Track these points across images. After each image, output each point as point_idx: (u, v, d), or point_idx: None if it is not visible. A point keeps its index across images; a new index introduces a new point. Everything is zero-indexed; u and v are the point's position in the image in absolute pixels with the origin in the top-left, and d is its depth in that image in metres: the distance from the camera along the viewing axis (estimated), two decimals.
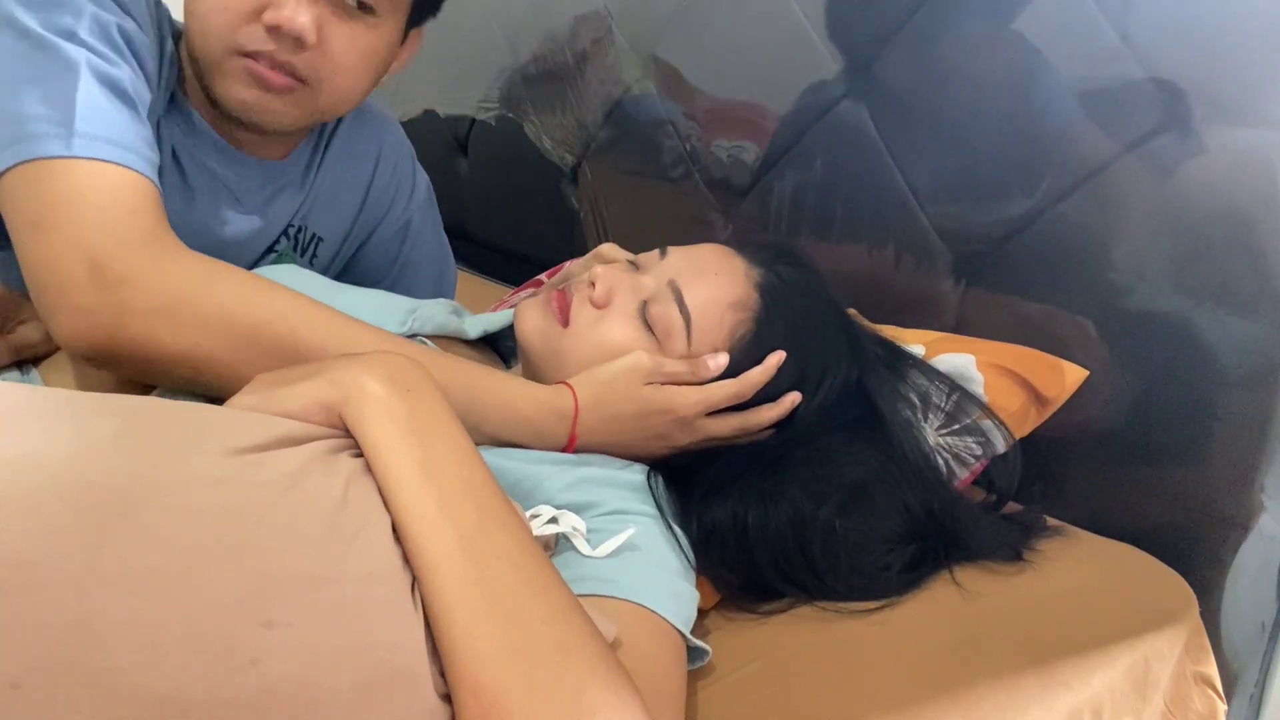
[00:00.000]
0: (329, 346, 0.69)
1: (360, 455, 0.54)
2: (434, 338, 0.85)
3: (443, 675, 0.49)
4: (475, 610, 0.49)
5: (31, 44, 0.73)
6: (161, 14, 0.88)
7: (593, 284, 0.81)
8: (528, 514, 0.61)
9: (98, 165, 0.71)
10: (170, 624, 0.43)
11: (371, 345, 0.71)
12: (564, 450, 0.77)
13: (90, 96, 0.73)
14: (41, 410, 0.49)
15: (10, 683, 0.40)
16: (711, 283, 0.80)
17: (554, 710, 0.48)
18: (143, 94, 0.80)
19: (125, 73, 0.78)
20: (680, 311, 0.79)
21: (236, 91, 0.85)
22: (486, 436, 0.75)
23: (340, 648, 0.46)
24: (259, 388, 0.59)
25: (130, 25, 0.80)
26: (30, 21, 0.74)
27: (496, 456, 0.72)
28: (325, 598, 0.46)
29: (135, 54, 0.80)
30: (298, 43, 0.83)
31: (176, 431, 0.50)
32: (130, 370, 0.70)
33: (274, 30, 0.82)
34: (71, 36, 0.75)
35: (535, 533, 0.60)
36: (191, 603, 0.43)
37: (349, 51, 0.87)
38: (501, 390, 0.76)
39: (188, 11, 0.85)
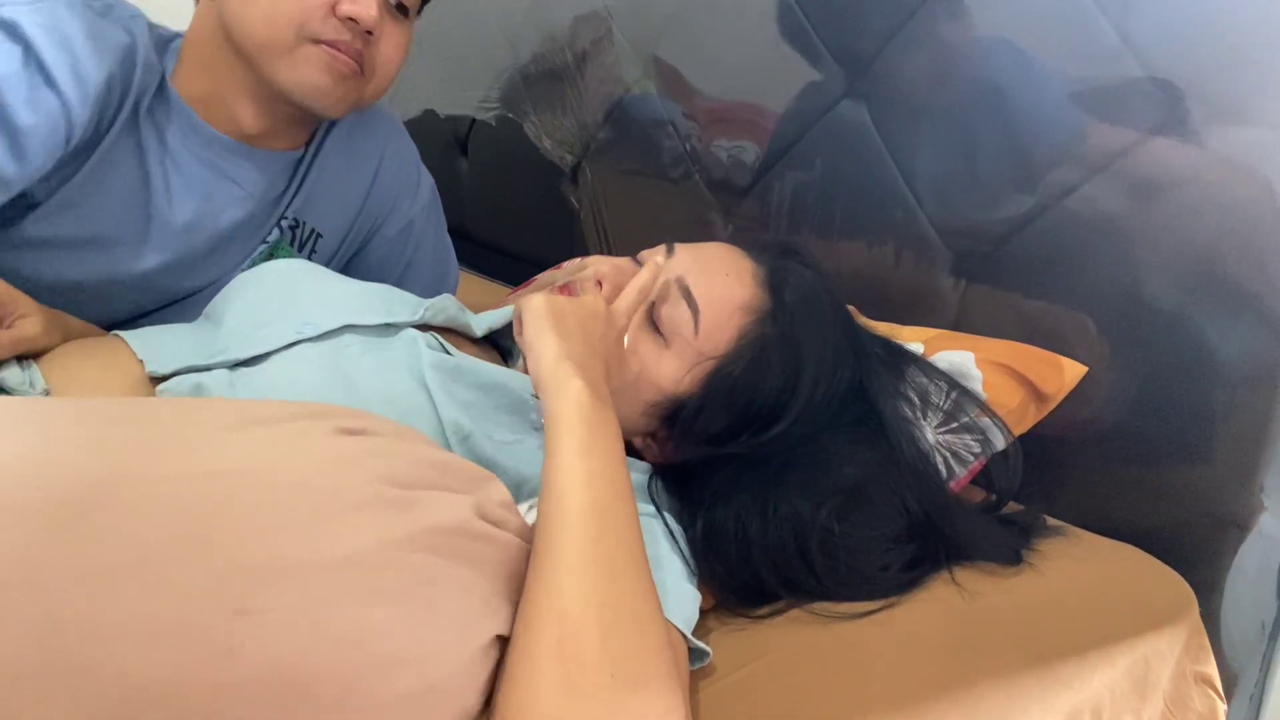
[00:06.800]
0: None
1: (337, 433, 0.54)
2: (443, 331, 0.85)
3: (436, 657, 0.49)
4: (585, 556, 0.56)
5: None
6: (133, 28, 0.90)
7: (599, 282, 0.80)
8: (526, 505, 0.62)
9: None
10: (141, 617, 0.43)
11: None
12: None
13: None
14: (4, 417, 0.49)
15: None
16: (721, 282, 0.80)
17: (622, 665, 0.52)
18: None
19: None
20: (689, 306, 0.78)
21: (311, 77, 0.90)
22: None
23: (317, 634, 0.46)
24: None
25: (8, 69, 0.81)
26: None
27: (504, 457, 0.72)
28: (297, 585, 0.46)
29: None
30: (367, 34, 0.90)
31: (135, 431, 0.51)
32: None
33: (348, 21, 0.88)
34: None
35: None
36: (161, 596, 0.44)
37: (396, 48, 0.95)
38: None
39: (236, 5, 0.89)
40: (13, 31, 0.81)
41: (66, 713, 0.41)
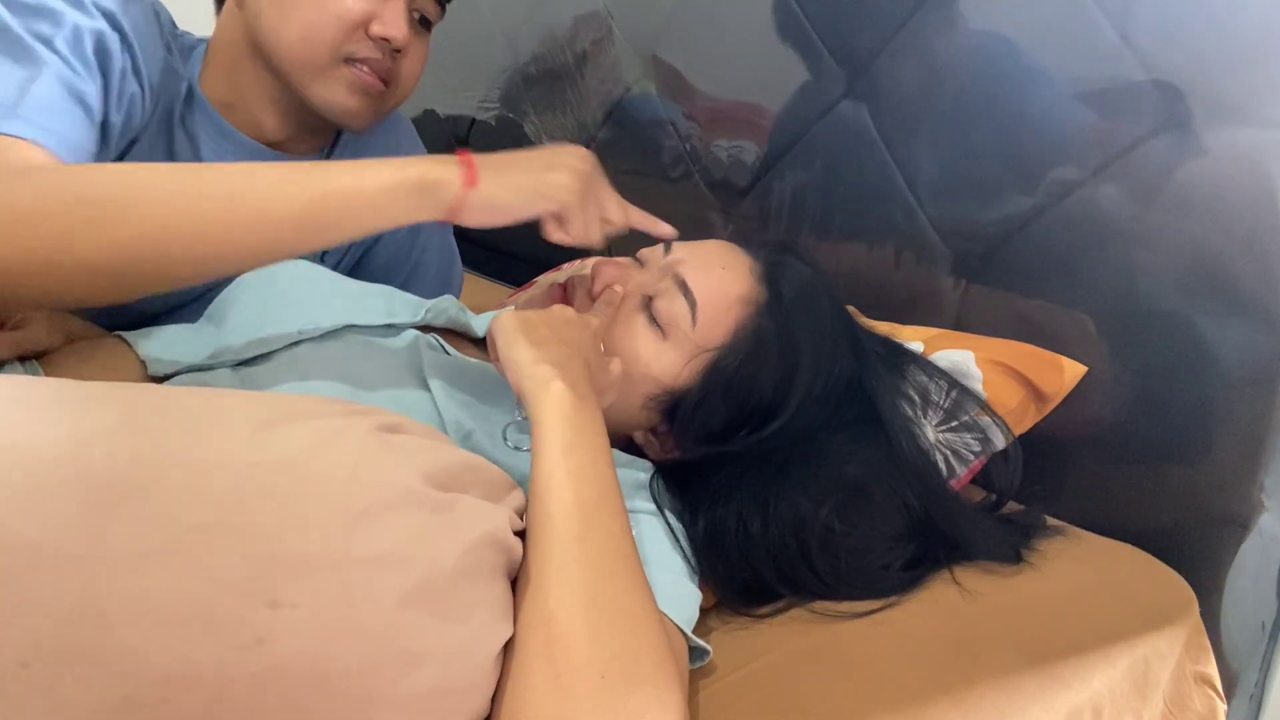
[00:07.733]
0: (146, 189, 0.65)
1: (377, 430, 0.54)
2: (444, 332, 0.85)
3: (457, 659, 0.49)
4: (570, 556, 0.55)
5: (8, 39, 0.76)
6: (163, 25, 0.92)
7: (591, 277, 0.81)
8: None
9: (22, 143, 0.72)
10: (175, 603, 0.43)
11: (179, 175, 0.68)
12: (452, 208, 0.76)
13: (47, 92, 0.76)
14: (42, 399, 0.49)
15: (19, 661, 0.41)
16: (718, 276, 0.80)
17: (614, 665, 0.51)
18: (107, 109, 0.82)
19: (90, 87, 0.80)
20: (686, 298, 0.78)
21: (343, 98, 0.93)
22: (360, 227, 0.71)
23: (347, 629, 0.46)
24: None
25: (111, 38, 0.82)
26: (12, 23, 0.77)
27: (506, 455, 0.72)
28: (330, 580, 0.46)
29: (107, 70, 0.82)
30: (396, 52, 0.92)
31: (176, 417, 0.51)
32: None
33: (380, 40, 0.90)
34: (48, 43, 0.78)
35: None
36: (196, 582, 0.44)
37: (419, 60, 0.98)
38: (360, 167, 0.72)
39: (270, 21, 0.90)
40: (111, 19, 0.83)
41: (104, 693, 0.42)
